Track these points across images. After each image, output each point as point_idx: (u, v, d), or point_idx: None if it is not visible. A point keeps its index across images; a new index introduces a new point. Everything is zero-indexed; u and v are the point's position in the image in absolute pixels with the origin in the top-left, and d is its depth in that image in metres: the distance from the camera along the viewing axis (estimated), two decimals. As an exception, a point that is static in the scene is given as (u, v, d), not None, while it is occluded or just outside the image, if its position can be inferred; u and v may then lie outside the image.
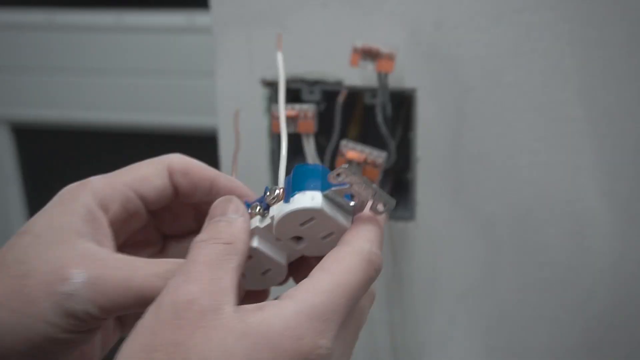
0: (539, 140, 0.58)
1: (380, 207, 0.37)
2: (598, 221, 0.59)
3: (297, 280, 0.40)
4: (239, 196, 0.39)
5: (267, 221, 0.37)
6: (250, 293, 0.40)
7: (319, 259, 0.36)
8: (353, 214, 0.37)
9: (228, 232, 0.35)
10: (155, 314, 0.32)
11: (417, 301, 0.64)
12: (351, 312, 0.35)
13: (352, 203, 0.37)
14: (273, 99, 0.62)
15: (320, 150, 0.60)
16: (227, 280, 0.33)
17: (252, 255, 0.38)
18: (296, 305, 0.33)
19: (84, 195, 0.38)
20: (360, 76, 0.60)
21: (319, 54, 0.60)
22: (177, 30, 1.33)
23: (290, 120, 0.57)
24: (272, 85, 0.62)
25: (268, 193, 0.38)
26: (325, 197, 0.36)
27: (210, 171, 0.41)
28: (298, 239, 0.38)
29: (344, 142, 0.56)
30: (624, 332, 0.62)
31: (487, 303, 0.63)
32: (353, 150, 0.55)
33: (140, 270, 0.35)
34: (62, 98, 1.45)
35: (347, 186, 0.36)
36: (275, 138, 0.64)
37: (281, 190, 0.38)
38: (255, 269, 0.39)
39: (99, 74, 1.41)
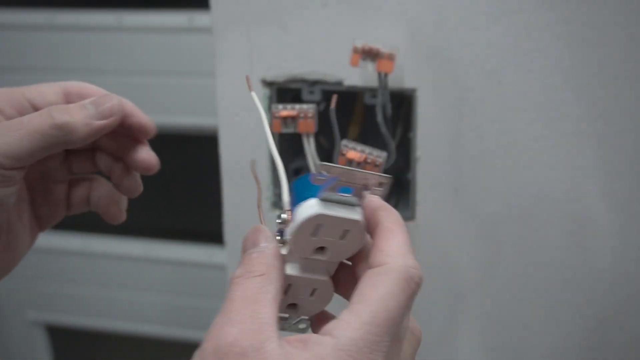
0: (538, 140, 0.58)
1: (377, 185, 0.37)
2: (598, 221, 0.59)
3: (344, 294, 0.40)
4: (130, 123, 0.45)
5: (288, 246, 0.37)
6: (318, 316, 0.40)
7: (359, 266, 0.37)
8: (360, 203, 0.37)
9: (261, 263, 0.36)
10: (200, 358, 0.33)
11: (417, 301, 0.64)
12: (398, 338, 0.34)
13: (350, 194, 0.36)
14: (273, 98, 0.63)
15: (321, 150, 0.60)
16: (266, 314, 0.34)
17: (291, 283, 0.38)
18: (337, 342, 0.32)
19: None
20: (360, 76, 0.60)
21: (319, 54, 0.60)
22: (178, 30, 1.33)
23: (290, 120, 0.57)
24: (272, 85, 0.62)
25: (279, 220, 0.38)
26: (323, 200, 0.36)
27: (100, 91, 0.46)
28: (321, 249, 0.37)
29: (344, 142, 0.56)
30: (624, 332, 0.62)
31: (487, 302, 0.63)
32: (353, 150, 0.56)
33: (24, 117, 0.42)
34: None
35: (336, 180, 0.36)
36: (275, 137, 0.64)
37: (288, 212, 0.38)
38: (302, 295, 0.39)
39: (99, 74, 1.41)
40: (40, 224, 0.49)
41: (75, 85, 0.46)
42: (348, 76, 0.60)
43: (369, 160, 0.55)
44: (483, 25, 0.56)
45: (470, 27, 0.57)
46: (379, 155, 0.55)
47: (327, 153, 0.64)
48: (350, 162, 0.55)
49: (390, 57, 0.56)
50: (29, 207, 0.48)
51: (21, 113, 0.45)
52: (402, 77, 0.59)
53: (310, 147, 0.58)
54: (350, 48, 0.57)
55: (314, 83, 0.61)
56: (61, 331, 1.58)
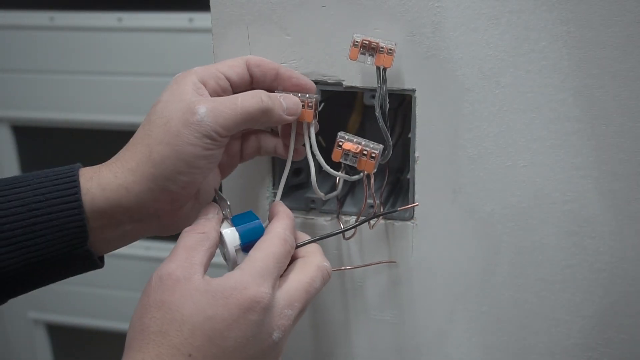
0: (536, 140, 0.58)
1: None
2: (596, 221, 0.59)
3: None
4: (295, 83, 0.58)
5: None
6: None
7: None
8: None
9: (204, 225, 0.52)
10: (147, 284, 0.49)
11: (416, 301, 0.64)
12: (278, 273, 0.50)
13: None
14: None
15: (320, 149, 0.60)
16: (198, 259, 0.49)
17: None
18: (242, 270, 0.49)
19: (190, 76, 0.55)
20: (360, 77, 0.60)
21: (319, 54, 0.60)
22: (178, 30, 1.33)
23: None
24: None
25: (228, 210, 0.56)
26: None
27: (275, 64, 0.58)
28: None
29: (340, 135, 0.56)
30: (623, 332, 0.62)
31: (486, 302, 0.63)
32: (349, 142, 0.56)
33: (238, 97, 0.53)
34: (63, 98, 1.45)
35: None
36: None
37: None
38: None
39: (99, 75, 1.41)
40: (222, 172, 0.60)
41: (253, 58, 0.57)
42: (348, 76, 0.60)
43: (364, 152, 0.55)
44: (482, 26, 0.57)
45: (469, 28, 0.57)
46: (374, 148, 0.55)
47: (326, 152, 0.64)
48: (346, 153, 0.56)
49: (389, 52, 0.56)
50: None
51: (219, 84, 0.56)
52: (401, 78, 0.59)
53: (311, 138, 0.58)
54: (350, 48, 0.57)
55: (314, 83, 0.61)
56: (62, 330, 1.58)
